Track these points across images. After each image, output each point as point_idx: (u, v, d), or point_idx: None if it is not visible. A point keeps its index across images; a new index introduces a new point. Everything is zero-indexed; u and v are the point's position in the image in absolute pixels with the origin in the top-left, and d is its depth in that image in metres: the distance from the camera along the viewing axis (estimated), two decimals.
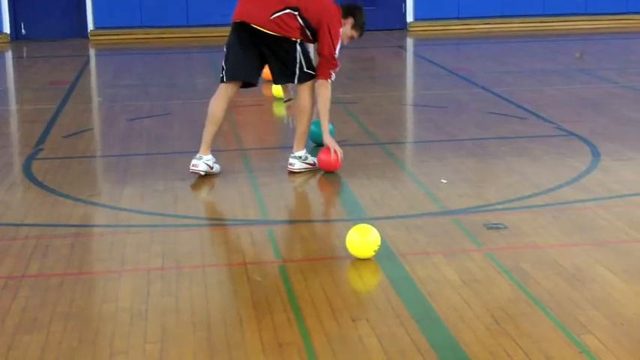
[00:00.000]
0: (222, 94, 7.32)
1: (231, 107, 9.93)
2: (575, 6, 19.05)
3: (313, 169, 7.36)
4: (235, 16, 7.24)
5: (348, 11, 7.33)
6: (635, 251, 5.51)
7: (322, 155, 7.34)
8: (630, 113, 9.73)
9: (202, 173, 7.18)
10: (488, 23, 18.65)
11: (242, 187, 7.11)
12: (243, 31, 7.20)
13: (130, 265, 5.43)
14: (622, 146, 8.10)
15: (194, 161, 7.19)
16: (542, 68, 13.44)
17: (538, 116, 9.57)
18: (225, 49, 7.29)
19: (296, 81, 7.29)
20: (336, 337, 4.37)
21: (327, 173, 7.34)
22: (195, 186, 7.11)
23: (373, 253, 5.35)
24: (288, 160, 7.38)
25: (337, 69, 7.29)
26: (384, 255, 5.41)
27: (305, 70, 7.24)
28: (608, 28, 18.61)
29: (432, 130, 9.14)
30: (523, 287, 4.92)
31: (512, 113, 9.78)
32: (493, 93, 11.07)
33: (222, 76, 7.28)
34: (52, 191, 7.02)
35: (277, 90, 10.57)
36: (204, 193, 6.96)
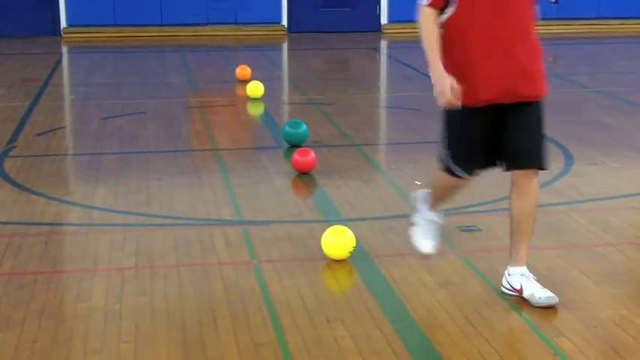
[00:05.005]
0: None
1: (205, 107, 9.98)
2: (548, 10, 19.16)
3: (290, 171, 7.36)
4: None
5: None
6: (609, 255, 5.54)
7: (297, 156, 7.35)
8: (602, 118, 9.80)
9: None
10: None
11: (216, 187, 7.10)
12: None
13: (104, 264, 5.40)
14: (595, 150, 8.16)
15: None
16: None
17: None
18: None
19: None
20: (312, 338, 4.37)
21: (301, 174, 7.34)
22: (169, 185, 7.09)
23: (348, 255, 5.36)
24: (261, 159, 7.35)
25: None
26: (359, 256, 5.42)
27: None
28: (580, 32, 18.73)
29: (406, 133, 9.15)
30: (497, 290, 4.94)
31: None
32: None
33: None
34: (25, 189, 6.98)
35: (251, 90, 10.56)
36: (178, 192, 6.93)
